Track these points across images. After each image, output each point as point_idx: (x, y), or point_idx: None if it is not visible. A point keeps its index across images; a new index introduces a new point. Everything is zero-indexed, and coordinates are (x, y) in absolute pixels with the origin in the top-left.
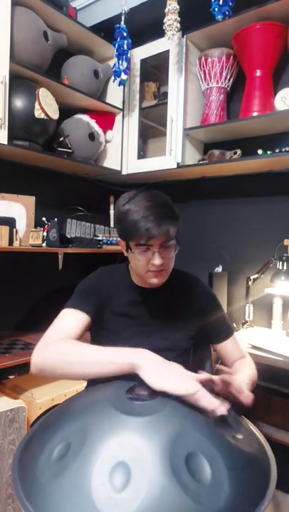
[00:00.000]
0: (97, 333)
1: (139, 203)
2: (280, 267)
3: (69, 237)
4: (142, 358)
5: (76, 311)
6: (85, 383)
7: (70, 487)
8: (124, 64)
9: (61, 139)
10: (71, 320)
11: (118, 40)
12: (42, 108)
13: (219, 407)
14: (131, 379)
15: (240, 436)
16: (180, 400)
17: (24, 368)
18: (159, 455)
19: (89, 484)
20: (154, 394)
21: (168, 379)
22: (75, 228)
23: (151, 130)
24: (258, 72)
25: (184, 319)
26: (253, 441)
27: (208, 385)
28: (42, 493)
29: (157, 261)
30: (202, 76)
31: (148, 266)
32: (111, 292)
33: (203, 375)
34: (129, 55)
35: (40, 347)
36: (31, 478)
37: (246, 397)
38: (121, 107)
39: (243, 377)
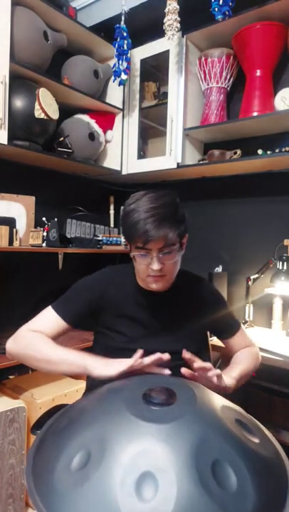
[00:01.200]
0: (100, 332)
1: (142, 204)
2: (280, 267)
3: (69, 237)
4: (93, 360)
5: (56, 314)
6: (84, 383)
7: (93, 497)
8: (124, 64)
9: (61, 139)
10: (49, 322)
11: (118, 40)
12: (42, 108)
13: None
14: (128, 379)
15: (256, 440)
16: (198, 393)
17: (24, 368)
18: (184, 464)
19: (114, 495)
20: (171, 398)
21: (108, 364)
22: (75, 228)
23: (151, 130)
24: (258, 72)
25: (191, 322)
26: (268, 444)
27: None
28: (62, 503)
29: (155, 266)
30: (202, 76)
31: (148, 270)
32: (115, 293)
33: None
34: (129, 55)
35: (13, 337)
36: (48, 486)
37: (213, 375)
38: (121, 107)
39: (231, 368)
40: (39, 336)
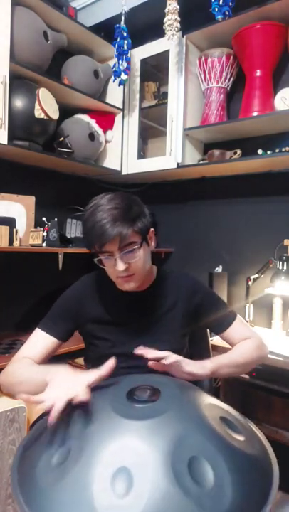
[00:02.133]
0: (87, 341)
1: (97, 208)
2: (280, 267)
3: (69, 237)
4: (52, 377)
5: (43, 333)
6: None
7: (71, 493)
8: (124, 64)
9: (61, 139)
10: (37, 343)
11: (118, 40)
12: (42, 108)
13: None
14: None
15: (241, 438)
16: (183, 390)
17: None
18: (161, 460)
19: (90, 490)
20: (155, 395)
21: (55, 388)
22: (75, 228)
23: (151, 130)
24: (258, 72)
25: (174, 320)
26: (255, 442)
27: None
28: (42, 499)
29: (120, 267)
30: (202, 76)
31: (116, 272)
32: (93, 301)
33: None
34: (129, 55)
35: (5, 369)
36: (31, 482)
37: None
38: (121, 107)
39: (215, 357)
40: (23, 361)
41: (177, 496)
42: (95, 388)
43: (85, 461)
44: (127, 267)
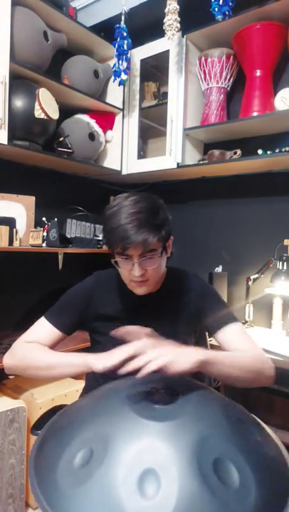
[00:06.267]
0: (93, 338)
1: (122, 209)
2: (280, 267)
3: (69, 237)
4: (93, 356)
5: (49, 324)
6: (84, 384)
7: (97, 495)
8: (124, 64)
9: (61, 139)
10: (43, 332)
11: (118, 40)
12: (42, 108)
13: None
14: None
15: (259, 438)
16: (200, 391)
17: None
18: (186, 460)
19: (117, 492)
20: (173, 396)
21: (110, 354)
22: (75, 228)
23: (151, 130)
24: (258, 72)
25: (182, 321)
26: (271, 443)
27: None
28: (66, 501)
29: (136, 272)
30: (202, 76)
31: (130, 276)
32: (105, 298)
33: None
34: (129, 55)
35: (9, 351)
36: (51, 484)
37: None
38: (121, 107)
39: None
40: (35, 346)
41: (205, 496)
42: (111, 388)
43: (109, 463)
44: (143, 272)
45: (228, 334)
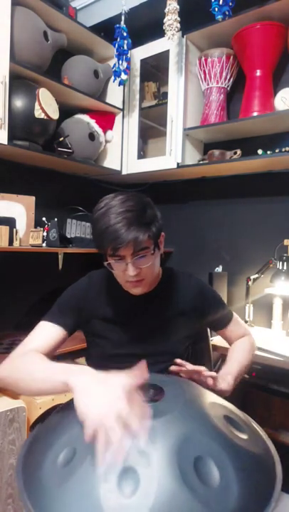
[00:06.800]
0: (89, 339)
1: (110, 209)
2: (280, 267)
3: (69, 237)
4: (77, 380)
5: (52, 324)
6: None
7: (78, 493)
8: (124, 64)
9: (61, 139)
10: (44, 333)
11: (118, 40)
12: (42, 108)
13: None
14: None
15: (245, 437)
16: (187, 390)
17: None
18: (167, 459)
19: (97, 490)
20: (159, 395)
21: (94, 406)
22: (75, 228)
23: (151, 130)
24: (258, 72)
25: (178, 322)
26: (258, 441)
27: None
28: (49, 499)
29: (131, 272)
30: (202, 76)
31: (125, 276)
32: (99, 299)
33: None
34: (129, 55)
35: (4, 362)
36: (37, 483)
37: (221, 388)
38: (121, 107)
39: (228, 367)
40: (29, 355)
41: (184, 495)
42: None
43: (90, 461)
44: (138, 272)
45: (230, 329)
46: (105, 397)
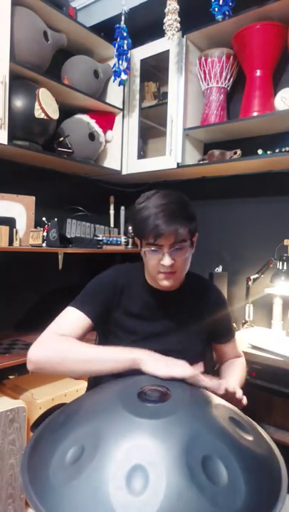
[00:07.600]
0: (107, 331)
1: (153, 201)
2: (280, 267)
3: (69, 237)
4: (142, 353)
5: (79, 312)
6: (85, 383)
7: (86, 491)
8: (124, 64)
9: (61, 139)
10: (73, 320)
11: (118, 40)
12: (42, 108)
13: (220, 387)
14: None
15: (250, 438)
16: (192, 391)
17: (24, 368)
18: (175, 458)
19: (106, 488)
20: (165, 395)
21: (169, 366)
22: (75, 228)
23: (151, 130)
24: (258, 72)
25: (197, 324)
26: (262, 442)
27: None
28: (56, 497)
29: (166, 261)
30: (202, 76)
31: (159, 267)
32: (124, 292)
33: (199, 367)
34: (129, 55)
35: (38, 343)
36: (43, 481)
37: (240, 398)
38: (121, 107)
39: (234, 379)
40: (69, 339)
41: (193, 494)
42: (106, 387)
43: (99, 459)
44: (173, 263)
45: (229, 347)
46: (171, 360)
